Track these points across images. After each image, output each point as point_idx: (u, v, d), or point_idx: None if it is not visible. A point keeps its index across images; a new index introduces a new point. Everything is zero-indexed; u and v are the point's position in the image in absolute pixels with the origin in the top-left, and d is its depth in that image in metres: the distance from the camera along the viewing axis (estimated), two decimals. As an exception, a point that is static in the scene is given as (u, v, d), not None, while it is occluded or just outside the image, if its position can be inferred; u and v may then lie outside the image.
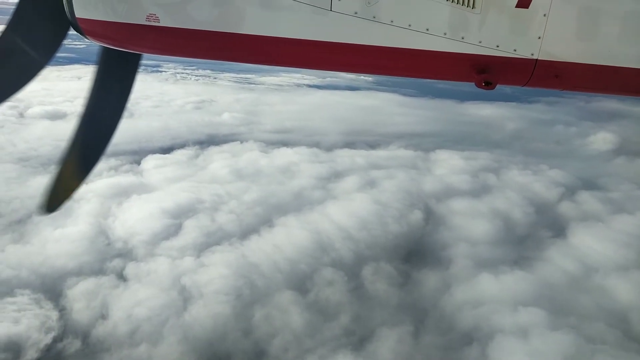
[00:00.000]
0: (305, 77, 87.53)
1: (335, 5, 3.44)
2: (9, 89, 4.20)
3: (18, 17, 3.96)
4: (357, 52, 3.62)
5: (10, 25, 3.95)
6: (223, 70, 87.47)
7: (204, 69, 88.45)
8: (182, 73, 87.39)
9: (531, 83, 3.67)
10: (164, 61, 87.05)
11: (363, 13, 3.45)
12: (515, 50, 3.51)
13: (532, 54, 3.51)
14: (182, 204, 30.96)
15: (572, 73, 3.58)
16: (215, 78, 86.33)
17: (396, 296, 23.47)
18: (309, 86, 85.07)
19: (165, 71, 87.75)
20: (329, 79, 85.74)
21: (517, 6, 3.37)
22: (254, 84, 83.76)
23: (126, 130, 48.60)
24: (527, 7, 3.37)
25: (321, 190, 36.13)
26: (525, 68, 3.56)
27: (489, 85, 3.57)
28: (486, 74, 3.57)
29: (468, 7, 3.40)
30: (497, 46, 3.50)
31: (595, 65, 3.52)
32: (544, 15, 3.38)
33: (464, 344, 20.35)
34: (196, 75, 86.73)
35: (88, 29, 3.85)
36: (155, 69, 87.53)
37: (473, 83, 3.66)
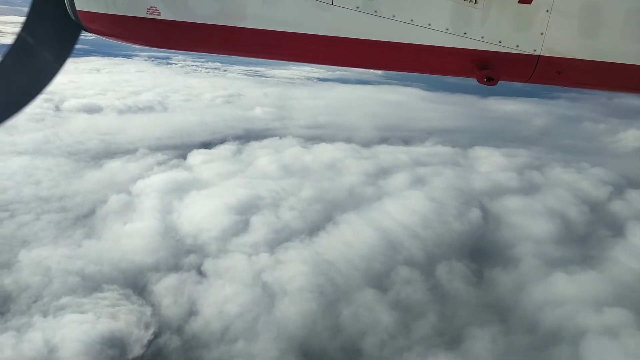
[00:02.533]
0: (315, 70, 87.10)
1: (337, 0, 3.41)
2: (28, 91, 4.14)
3: (31, 20, 3.90)
4: (358, 47, 3.59)
5: (24, 28, 3.89)
6: (232, 63, 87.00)
7: (214, 62, 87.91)
8: (192, 65, 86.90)
9: (533, 79, 3.63)
10: (173, 53, 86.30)
11: (365, 7, 3.41)
12: (517, 46, 3.46)
13: (535, 50, 3.46)
14: (243, 200, 31.11)
15: (575, 69, 3.53)
16: (225, 71, 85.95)
17: (475, 295, 23.67)
18: (319, 79, 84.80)
19: (175, 63, 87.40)
20: (338, 72, 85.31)
21: (519, 2, 3.34)
22: (264, 77, 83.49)
23: (166, 124, 49.09)
24: (530, 3, 3.34)
25: (372, 187, 36.33)
26: (528, 64, 3.52)
27: (490, 81, 3.52)
28: (488, 69, 3.52)
29: (470, 3, 3.37)
30: (500, 42, 3.46)
31: (597, 62, 3.48)
32: (547, 11, 3.35)
33: (551, 344, 20.56)
34: (206, 68, 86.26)
35: (88, 22, 3.83)
36: (165, 60, 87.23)
37: (475, 79, 3.60)
